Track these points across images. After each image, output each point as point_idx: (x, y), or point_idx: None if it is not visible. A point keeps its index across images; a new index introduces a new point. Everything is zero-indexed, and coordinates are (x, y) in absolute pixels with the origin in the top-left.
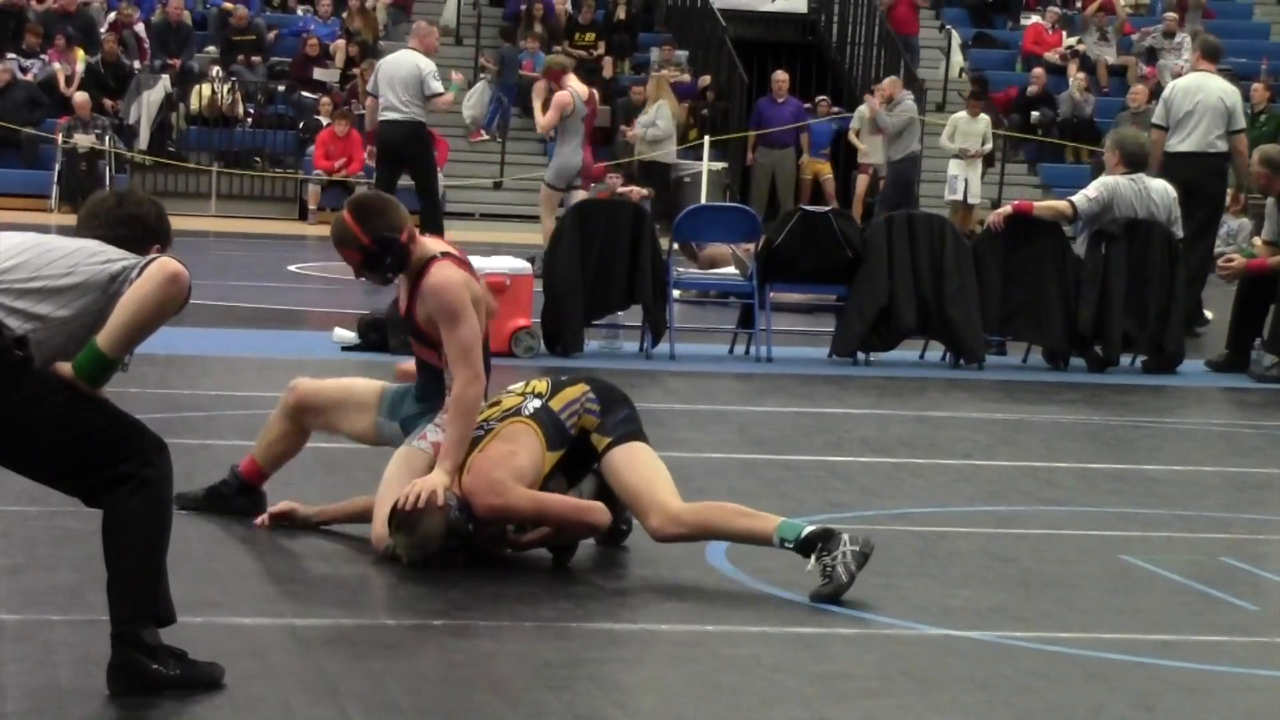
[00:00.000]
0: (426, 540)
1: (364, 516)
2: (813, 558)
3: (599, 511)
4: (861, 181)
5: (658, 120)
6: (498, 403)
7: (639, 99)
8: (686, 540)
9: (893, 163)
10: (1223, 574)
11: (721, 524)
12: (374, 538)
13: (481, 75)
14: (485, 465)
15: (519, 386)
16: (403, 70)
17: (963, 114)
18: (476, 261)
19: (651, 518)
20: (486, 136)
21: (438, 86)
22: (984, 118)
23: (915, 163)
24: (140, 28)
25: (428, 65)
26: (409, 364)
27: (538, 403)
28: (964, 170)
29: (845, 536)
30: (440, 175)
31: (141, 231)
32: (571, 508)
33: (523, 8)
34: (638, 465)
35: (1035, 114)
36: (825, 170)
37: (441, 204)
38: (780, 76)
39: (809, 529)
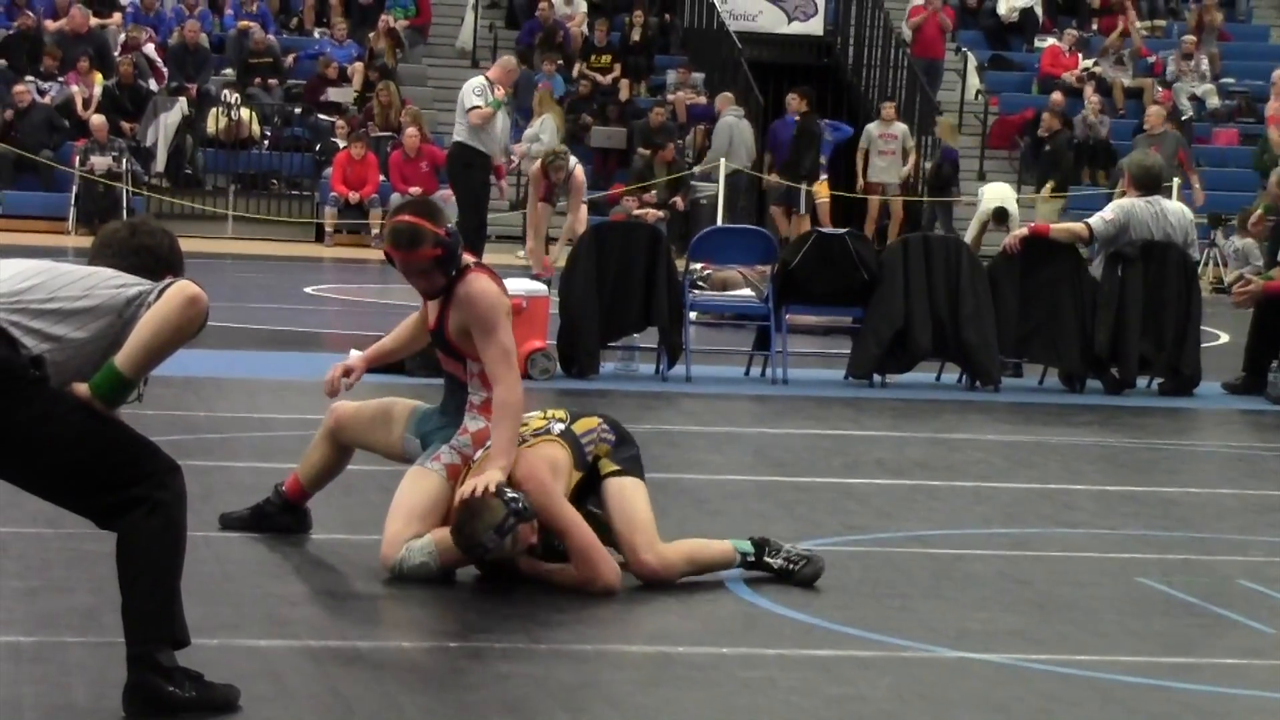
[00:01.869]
0: (491, 518)
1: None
2: (767, 557)
3: (611, 570)
4: (873, 203)
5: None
6: (525, 423)
7: (658, 121)
8: (672, 580)
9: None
10: (1240, 597)
11: (700, 557)
12: (382, 556)
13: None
14: (535, 461)
15: (537, 414)
16: (462, 93)
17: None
18: None
19: (644, 554)
20: (515, 159)
21: (473, 100)
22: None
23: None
24: (151, 49)
25: (472, 83)
26: None
27: (561, 426)
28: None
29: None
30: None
31: (154, 262)
32: (590, 545)
33: (539, 31)
34: (640, 502)
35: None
36: (821, 192)
37: (481, 230)
38: (793, 97)
39: (749, 540)
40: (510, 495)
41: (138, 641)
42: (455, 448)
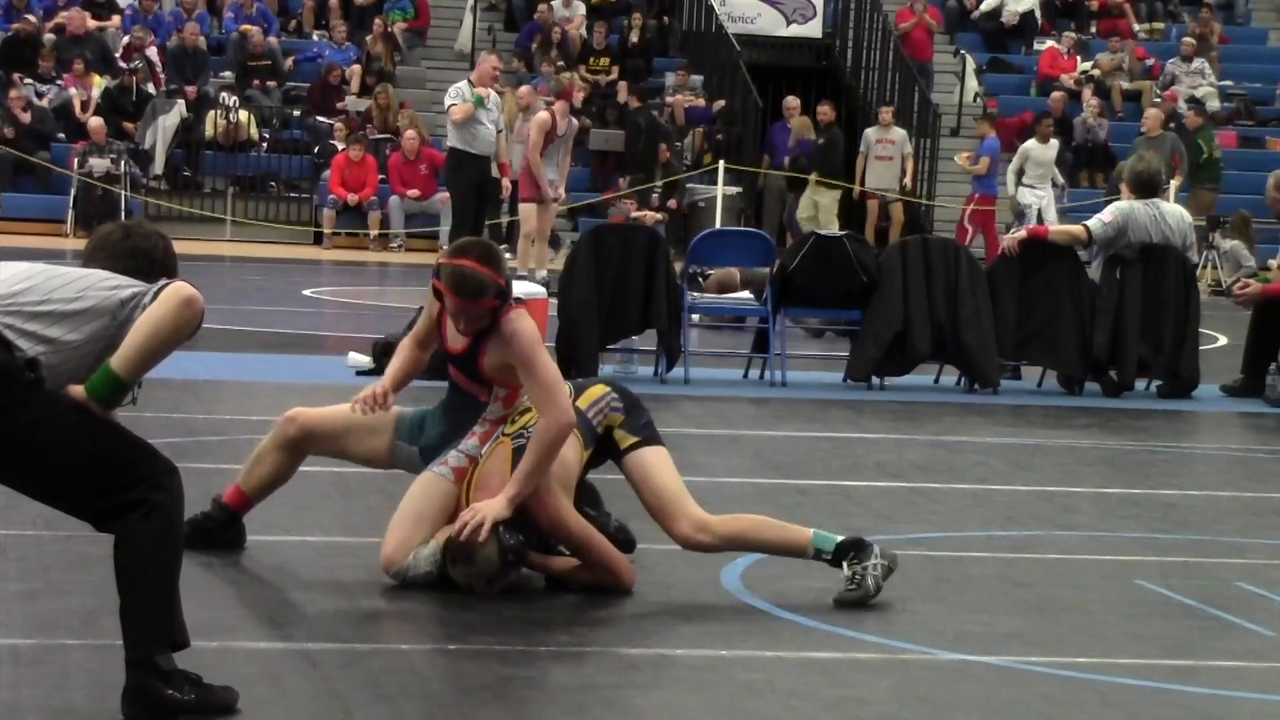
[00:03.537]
0: (485, 567)
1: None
2: (844, 564)
3: (630, 572)
4: (872, 207)
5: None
6: (529, 409)
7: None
8: (714, 550)
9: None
10: (1239, 599)
11: (754, 535)
12: (383, 560)
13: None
14: (544, 487)
15: None
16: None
17: (1032, 142)
18: None
19: (682, 523)
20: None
21: (447, 100)
22: (1054, 143)
23: None
24: (153, 52)
25: (453, 87)
26: None
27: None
28: (1037, 199)
29: (876, 549)
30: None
31: (149, 264)
32: (610, 555)
33: (538, 33)
34: (668, 469)
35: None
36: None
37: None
38: (791, 102)
39: (842, 538)
40: (509, 541)
41: (136, 645)
42: (464, 451)
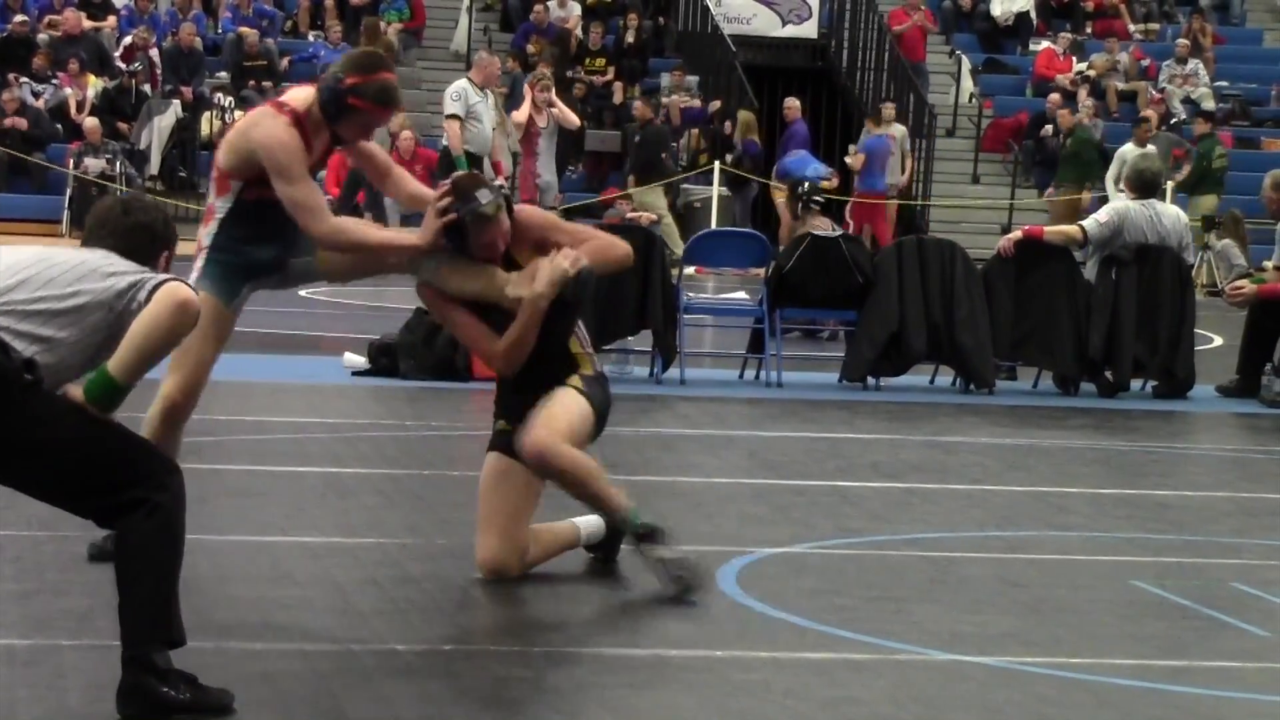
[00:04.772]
0: (483, 183)
1: None
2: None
3: (619, 244)
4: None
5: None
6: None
7: (642, 115)
8: (542, 462)
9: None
10: (1234, 599)
11: (583, 481)
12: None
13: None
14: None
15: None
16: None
17: (1129, 145)
18: None
19: (540, 429)
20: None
21: (450, 107)
22: (1153, 147)
23: None
24: (154, 53)
25: (452, 88)
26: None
27: None
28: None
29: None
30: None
31: (150, 240)
32: (594, 237)
33: (534, 33)
34: (573, 406)
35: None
36: (781, 195)
37: None
38: (791, 103)
39: (651, 523)
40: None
41: (134, 642)
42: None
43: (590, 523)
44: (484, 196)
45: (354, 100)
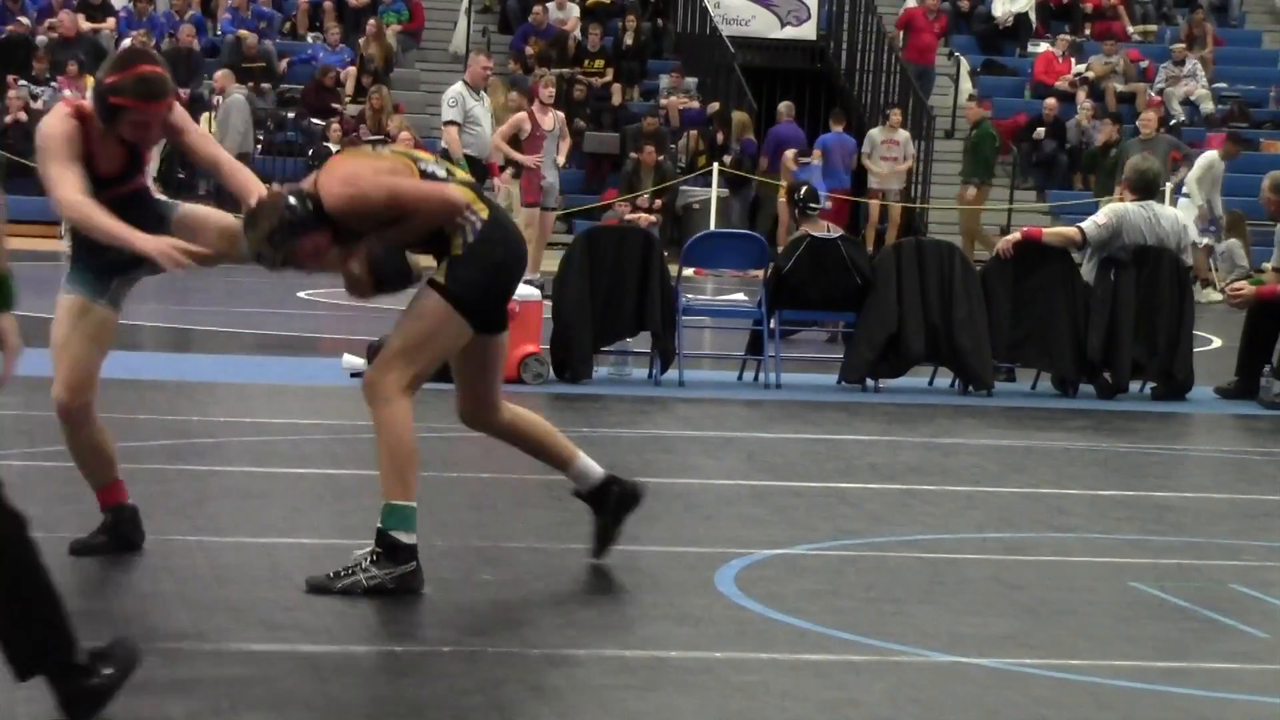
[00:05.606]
0: (270, 217)
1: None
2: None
3: (453, 191)
4: (873, 208)
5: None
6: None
7: (650, 128)
8: (368, 395)
9: None
10: (1233, 601)
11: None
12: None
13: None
14: (343, 165)
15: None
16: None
17: (1215, 153)
18: None
19: (380, 365)
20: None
21: (447, 113)
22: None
23: None
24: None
25: (449, 92)
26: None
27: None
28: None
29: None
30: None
31: None
32: (429, 189)
33: (532, 35)
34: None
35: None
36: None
37: None
38: (782, 106)
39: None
40: (290, 202)
41: (45, 663)
42: None
43: (590, 467)
44: (265, 250)
45: (114, 99)
